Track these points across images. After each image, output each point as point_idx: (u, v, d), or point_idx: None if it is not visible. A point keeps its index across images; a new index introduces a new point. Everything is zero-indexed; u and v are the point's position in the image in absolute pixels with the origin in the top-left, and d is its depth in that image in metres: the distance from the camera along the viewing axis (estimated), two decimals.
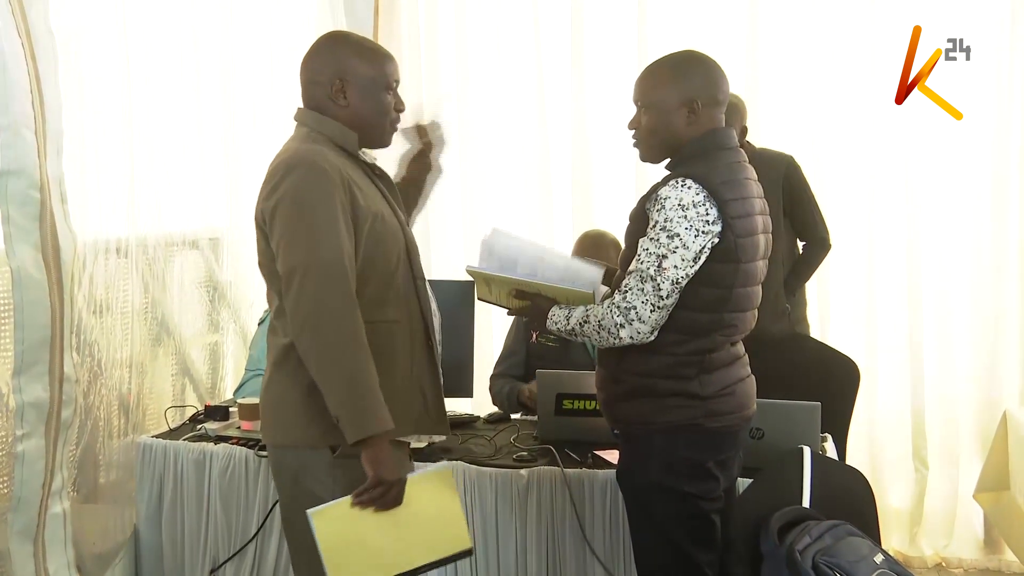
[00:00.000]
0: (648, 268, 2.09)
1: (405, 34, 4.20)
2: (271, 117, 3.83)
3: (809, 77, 3.88)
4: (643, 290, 2.10)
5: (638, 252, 2.13)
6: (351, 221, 2.02)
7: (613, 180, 4.08)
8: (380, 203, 2.13)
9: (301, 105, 2.18)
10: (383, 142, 2.21)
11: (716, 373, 2.20)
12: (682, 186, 2.09)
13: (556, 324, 2.24)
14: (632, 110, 2.28)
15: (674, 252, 2.08)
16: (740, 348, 2.30)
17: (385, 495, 2.00)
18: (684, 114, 2.19)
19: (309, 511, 2.00)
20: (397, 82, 2.17)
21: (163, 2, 3.34)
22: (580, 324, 2.19)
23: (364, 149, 2.19)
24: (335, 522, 2.00)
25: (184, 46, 3.45)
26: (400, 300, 2.13)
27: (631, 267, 2.14)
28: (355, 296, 1.99)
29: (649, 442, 2.21)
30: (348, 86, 2.11)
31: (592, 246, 3.18)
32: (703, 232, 2.08)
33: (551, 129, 4.14)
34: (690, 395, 2.18)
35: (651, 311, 2.10)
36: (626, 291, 2.12)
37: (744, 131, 3.30)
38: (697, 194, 2.08)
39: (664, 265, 2.08)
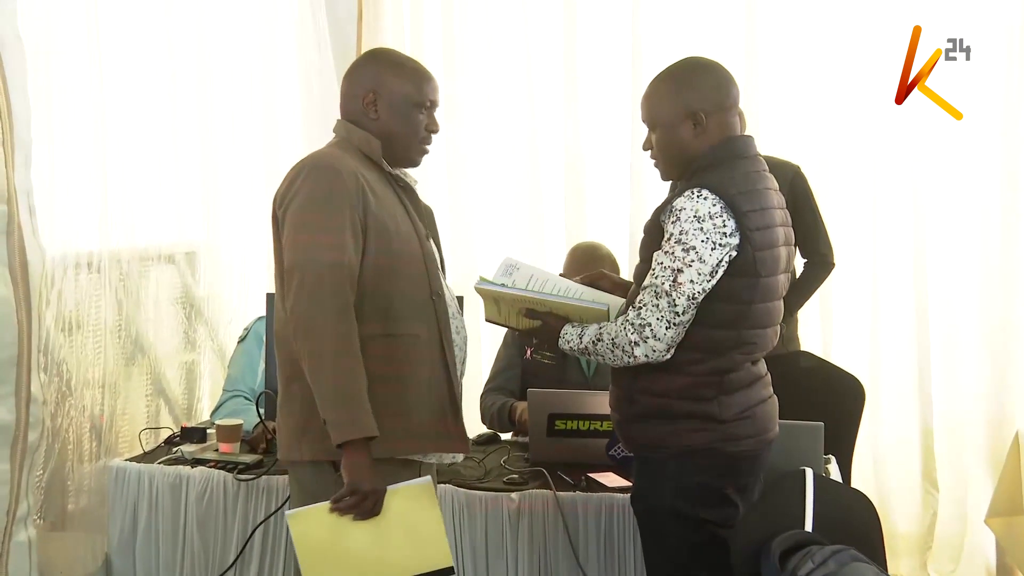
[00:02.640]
0: (663, 283, 2.04)
1: (390, 40, 4.12)
2: (249, 126, 3.82)
3: (808, 78, 3.85)
4: (658, 306, 2.05)
5: (652, 266, 2.09)
6: (360, 225, 2.08)
7: (606, 190, 4.04)
8: (398, 212, 2.18)
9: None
10: (410, 159, 2.26)
11: (736, 395, 2.14)
12: (698, 197, 2.04)
13: (569, 343, 2.20)
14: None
15: (690, 266, 2.02)
16: (762, 367, 2.25)
17: (361, 503, 2.03)
18: (690, 126, 2.15)
19: (287, 512, 2.07)
20: (433, 103, 2.24)
21: (137, 7, 3.30)
22: (593, 342, 2.14)
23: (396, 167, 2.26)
24: (312, 526, 2.05)
25: (159, 52, 3.42)
26: (420, 314, 2.16)
27: (646, 282, 2.10)
28: (351, 301, 2.04)
29: (664, 466, 2.17)
30: (380, 99, 2.19)
31: (585, 259, 3.08)
32: (720, 245, 2.03)
33: (541, 137, 4.09)
34: (708, 418, 2.12)
35: (666, 328, 2.05)
36: (640, 307, 2.07)
37: None
38: (714, 205, 2.03)
39: (679, 280, 2.03)
